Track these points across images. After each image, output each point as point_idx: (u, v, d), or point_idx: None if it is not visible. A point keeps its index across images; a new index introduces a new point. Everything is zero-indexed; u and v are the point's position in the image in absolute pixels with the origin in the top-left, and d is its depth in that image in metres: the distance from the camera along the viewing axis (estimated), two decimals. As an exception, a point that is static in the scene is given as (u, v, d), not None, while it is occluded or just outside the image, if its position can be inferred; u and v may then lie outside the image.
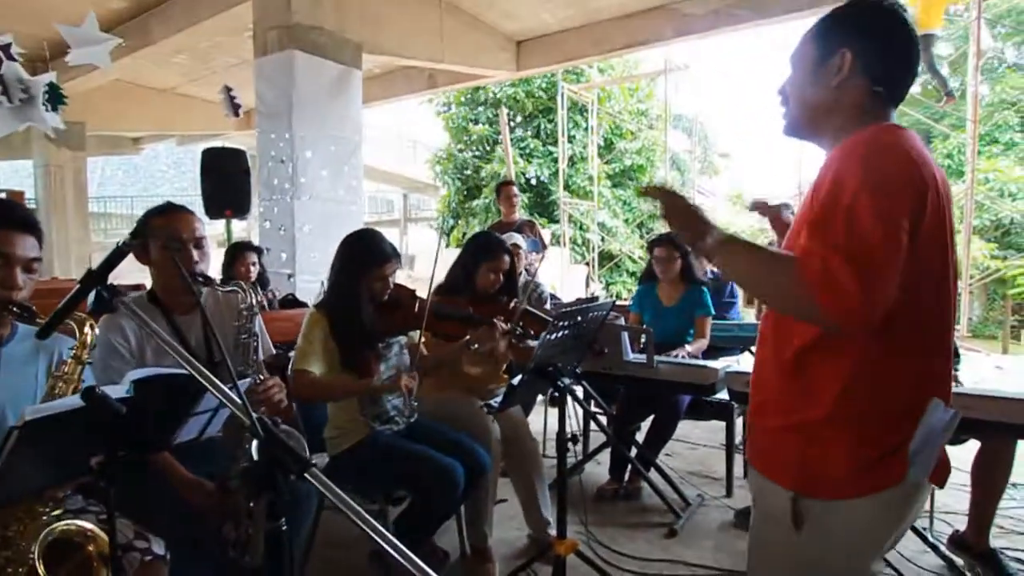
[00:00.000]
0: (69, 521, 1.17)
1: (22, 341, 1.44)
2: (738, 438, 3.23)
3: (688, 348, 3.09)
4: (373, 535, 0.75)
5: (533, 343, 2.20)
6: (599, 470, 3.34)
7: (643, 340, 2.78)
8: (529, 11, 6.60)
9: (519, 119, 13.02)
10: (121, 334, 1.69)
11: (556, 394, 1.91)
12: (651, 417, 3.06)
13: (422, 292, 2.24)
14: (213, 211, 5.21)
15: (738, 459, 3.27)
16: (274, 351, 2.01)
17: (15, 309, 1.31)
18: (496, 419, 2.39)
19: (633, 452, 3.04)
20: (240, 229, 11.16)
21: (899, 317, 0.93)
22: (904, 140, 0.97)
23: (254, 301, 1.65)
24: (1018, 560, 2.38)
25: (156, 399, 1.18)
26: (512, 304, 2.39)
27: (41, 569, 1.13)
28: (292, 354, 2.11)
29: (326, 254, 4.75)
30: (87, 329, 1.27)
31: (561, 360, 1.97)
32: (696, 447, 3.83)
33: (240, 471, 1.56)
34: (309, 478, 0.80)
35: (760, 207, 2.09)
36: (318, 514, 2.17)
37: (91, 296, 1.00)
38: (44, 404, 1.12)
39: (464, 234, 12.44)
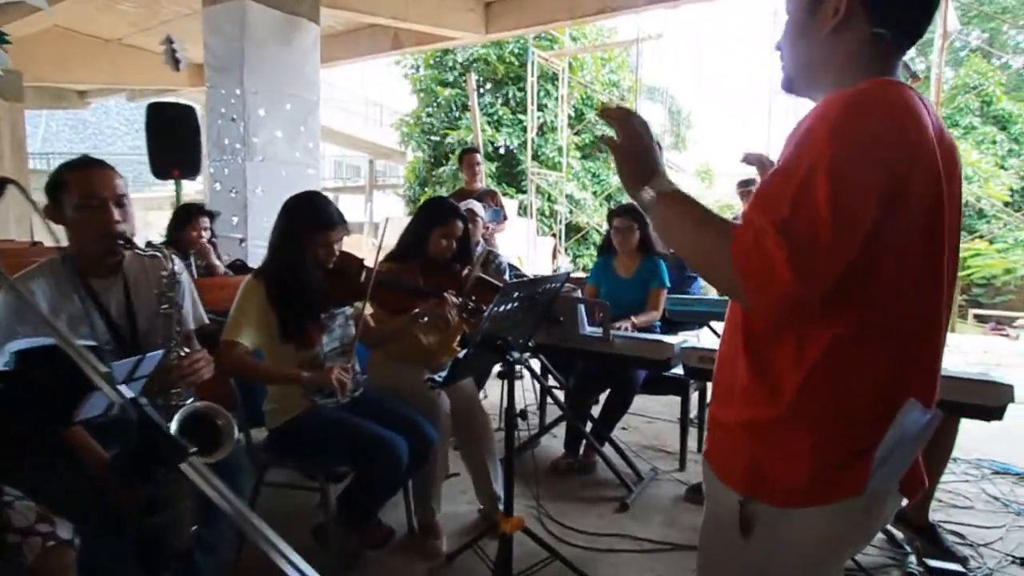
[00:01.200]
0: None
1: None
2: (693, 412, 3.23)
3: (635, 319, 3.04)
4: (249, 531, 0.66)
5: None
6: (555, 443, 3.32)
7: (599, 313, 2.73)
8: (498, -29, 6.36)
9: (489, 85, 12.72)
10: (32, 297, 1.54)
11: (501, 375, 1.83)
12: (607, 391, 3.03)
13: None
14: (160, 171, 4.95)
15: (692, 433, 3.29)
16: (207, 320, 1.89)
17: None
18: (447, 392, 2.32)
19: (589, 426, 3.02)
20: (194, 192, 10.71)
21: (877, 296, 0.83)
22: (899, 96, 0.82)
23: (178, 267, 1.52)
24: (956, 533, 2.45)
25: (48, 372, 1.06)
26: (465, 272, 2.30)
27: None
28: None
29: (279, 219, 4.56)
30: None
31: (512, 333, 1.90)
32: (653, 421, 3.84)
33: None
34: (187, 469, 0.70)
35: (754, 159, 2.00)
36: (256, 491, 2.09)
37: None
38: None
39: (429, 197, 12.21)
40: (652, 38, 11.23)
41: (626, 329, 2.95)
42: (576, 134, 12.91)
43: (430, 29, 6.88)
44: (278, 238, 2.00)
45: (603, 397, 3.06)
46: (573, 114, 12.87)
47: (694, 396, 3.14)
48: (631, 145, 0.96)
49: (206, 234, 3.46)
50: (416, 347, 2.43)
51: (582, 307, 2.70)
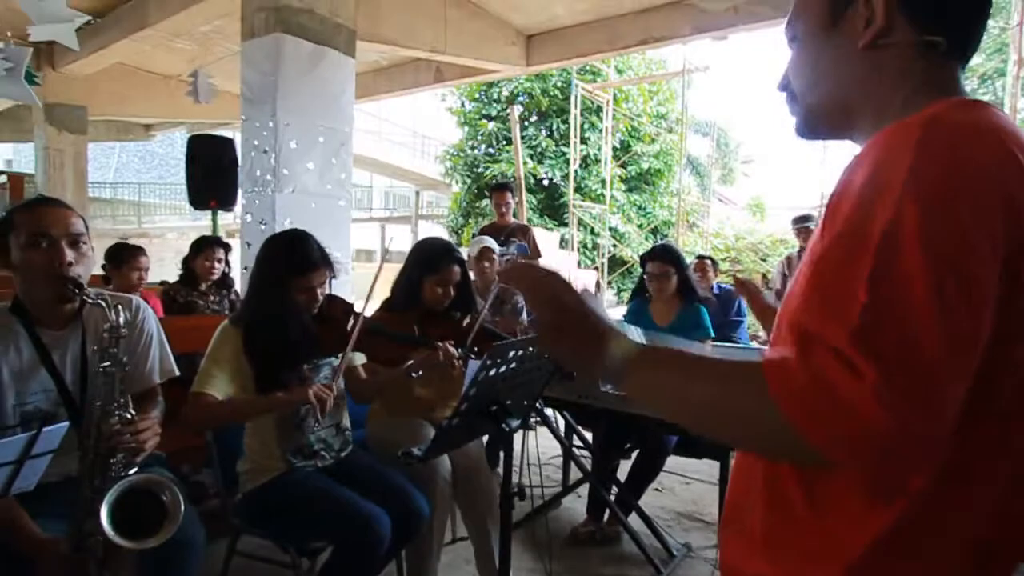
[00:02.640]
0: None
1: None
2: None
3: None
4: None
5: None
6: (580, 505, 3.01)
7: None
8: (539, 4, 6.28)
9: (533, 118, 12.67)
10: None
11: (501, 439, 1.58)
12: (636, 452, 2.72)
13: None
14: (198, 201, 5.00)
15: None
16: (176, 372, 1.71)
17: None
18: (449, 453, 2.07)
19: (614, 491, 2.70)
20: (232, 222, 10.98)
21: (998, 416, 0.56)
22: (988, 118, 0.58)
23: (120, 321, 1.34)
24: None
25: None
26: (466, 321, 2.07)
27: None
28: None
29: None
30: None
31: (512, 396, 1.64)
32: (690, 482, 3.47)
33: (111, 510, 1.25)
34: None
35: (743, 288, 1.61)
36: (228, 561, 1.88)
37: None
38: None
39: (474, 235, 12.15)
40: (699, 70, 10.98)
41: None
42: (621, 166, 12.67)
43: (470, 62, 6.85)
44: (255, 282, 1.82)
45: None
46: (618, 146, 12.67)
47: (733, 461, 2.79)
48: (553, 314, 0.68)
49: (219, 265, 3.39)
50: (414, 399, 2.21)
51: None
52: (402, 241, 18.74)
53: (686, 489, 3.39)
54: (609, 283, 12.03)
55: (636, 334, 0.66)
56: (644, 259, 2.89)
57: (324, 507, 1.71)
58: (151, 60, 8.27)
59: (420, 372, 1.91)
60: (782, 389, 0.52)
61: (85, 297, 1.40)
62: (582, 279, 10.70)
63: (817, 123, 0.75)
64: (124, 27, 6.36)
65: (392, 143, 18.14)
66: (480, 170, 12.61)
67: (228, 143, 5.09)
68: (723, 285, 3.97)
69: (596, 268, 11.81)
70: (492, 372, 1.43)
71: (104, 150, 15.45)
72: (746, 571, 0.71)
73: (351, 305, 1.87)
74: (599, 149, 12.15)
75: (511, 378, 1.58)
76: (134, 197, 14.52)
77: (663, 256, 2.79)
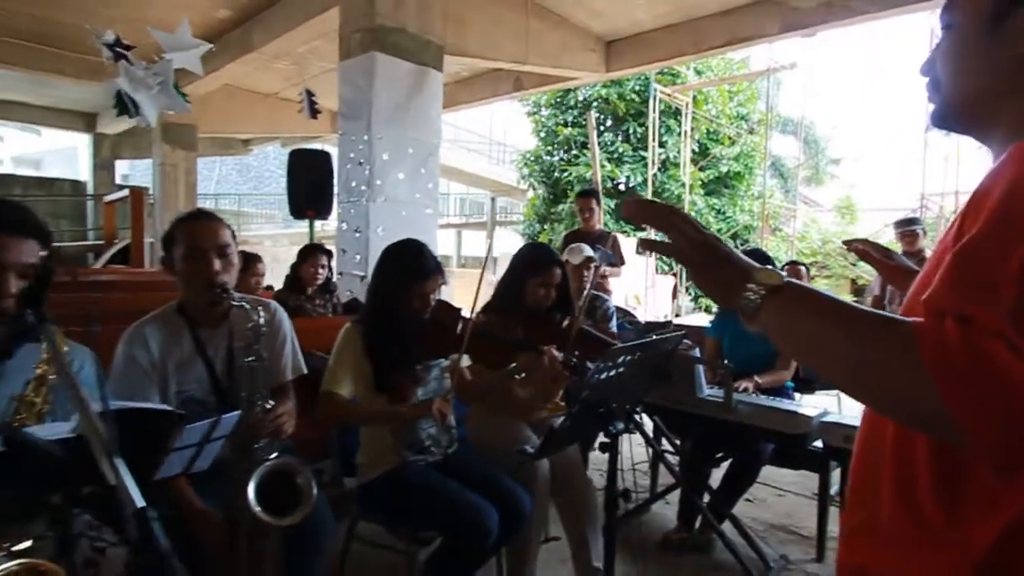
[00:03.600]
0: (19, 561, 1.05)
1: (28, 352, 1.36)
2: (834, 489, 2.78)
3: (759, 379, 2.67)
4: None
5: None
6: (668, 511, 3.00)
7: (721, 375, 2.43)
8: (620, 9, 6.28)
9: (609, 122, 12.61)
10: (142, 345, 1.61)
11: (603, 447, 1.64)
12: (729, 461, 2.69)
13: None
14: (297, 211, 5.33)
15: (833, 514, 2.82)
16: (305, 370, 1.88)
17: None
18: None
19: (706, 499, 2.68)
20: (329, 231, 11.58)
21: None
22: None
23: (262, 319, 1.51)
24: None
25: (134, 429, 1.05)
26: (566, 323, 2.14)
27: None
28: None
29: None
30: (64, 345, 1.16)
31: (617, 399, 1.70)
32: (784, 494, 3.37)
33: (258, 490, 1.41)
34: None
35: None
36: (347, 545, 2.03)
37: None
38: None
39: (551, 240, 12.21)
40: (785, 68, 10.57)
41: (746, 390, 2.61)
42: (700, 170, 12.39)
43: (550, 70, 6.94)
44: (374, 288, 1.97)
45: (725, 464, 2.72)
46: (697, 149, 12.39)
47: (835, 473, 2.70)
48: (695, 243, 0.73)
49: (323, 271, 3.62)
50: (514, 401, 2.30)
51: (701, 368, 2.42)
52: (477, 247, 19.08)
53: (780, 501, 3.30)
54: (686, 289, 11.77)
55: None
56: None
57: (436, 499, 1.82)
58: (252, 80, 8.90)
59: (523, 374, 2.00)
60: (937, 360, 0.53)
61: (231, 301, 1.58)
62: (660, 286, 10.54)
63: (953, 116, 0.76)
64: (233, 51, 6.89)
65: (467, 150, 18.56)
66: (556, 176, 12.68)
67: (325, 156, 5.40)
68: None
69: (674, 274, 11.59)
70: (604, 376, 1.49)
71: (207, 164, 16.69)
72: (871, 567, 0.73)
73: (459, 310, 1.99)
74: (677, 152, 11.94)
75: (618, 382, 1.63)
76: (234, 207, 15.67)
77: (753, 259, 2.74)
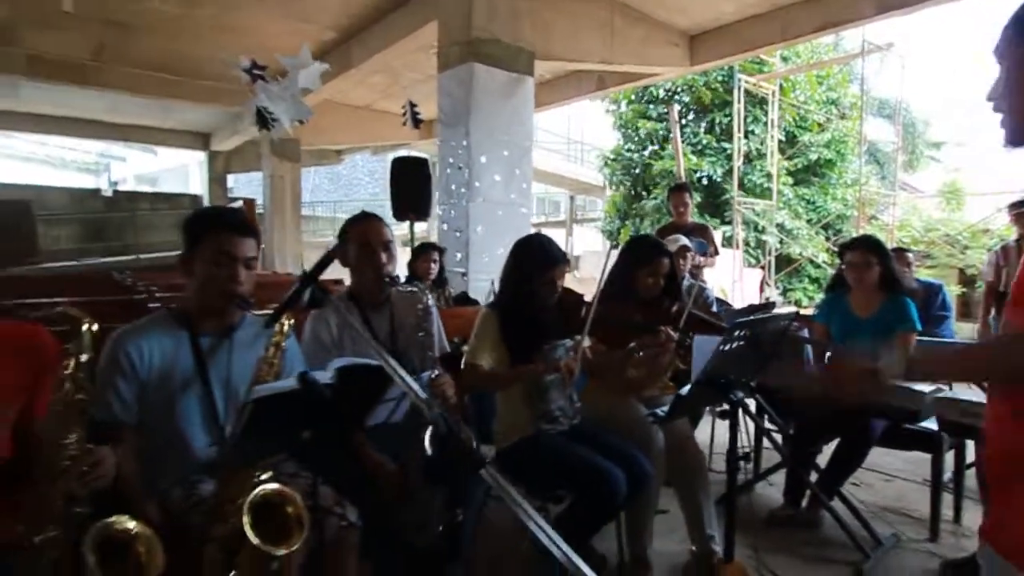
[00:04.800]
0: (272, 485, 1.36)
1: (247, 328, 1.71)
2: (947, 474, 2.79)
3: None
4: (538, 532, 0.78)
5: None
6: (771, 492, 3.10)
7: (828, 356, 2.52)
8: (705, 3, 6.30)
9: (692, 114, 12.46)
10: (325, 327, 1.94)
11: (723, 414, 1.81)
12: (836, 440, 2.76)
13: (588, 293, 2.25)
14: (400, 214, 5.73)
15: (947, 499, 2.83)
16: (448, 348, 2.17)
17: (240, 301, 1.56)
18: (660, 429, 2.33)
19: (813, 477, 2.77)
20: (420, 230, 12.16)
21: None
22: None
23: (430, 302, 1.80)
24: None
25: (354, 385, 1.34)
26: (675, 308, 2.32)
27: (248, 521, 1.29)
28: (465, 348, 2.26)
29: (496, 255, 4.99)
30: (285, 321, 1.47)
31: (734, 372, 1.86)
32: (892, 479, 3.37)
33: (417, 461, 1.70)
34: (485, 475, 0.86)
35: None
36: (484, 504, 2.30)
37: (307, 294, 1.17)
38: (268, 384, 1.33)
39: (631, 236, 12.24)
40: (880, 49, 10.09)
41: None
42: (788, 159, 12.00)
43: (634, 68, 7.03)
44: (508, 275, 2.22)
45: (829, 447, 2.79)
46: (784, 138, 12.01)
47: (949, 455, 2.71)
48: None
49: (435, 267, 3.96)
50: (628, 380, 2.49)
51: (809, 348, 2.52)
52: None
53: (888, 486, 3.31)
54: (775, 283, 11.46)
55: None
56: (843, 248, 2.91)
57: (569, 461, 2.05)
58: (347, 94, 9.53)
59: (641, 353, 2.20)
60: None
61: (395, 287, 1.89)
62: (747, 279, 10.34)
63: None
64: (335, 69, 7.45)
65: (545, 150, 18.78)
66: (637, 172, 12.67)
67: (424, 162, 5.76)
68: (924, 279, 3.76)
69: (762, 267, 11.32)
70: (727, 347, 1.66)
71: (302, 175, 17.75)
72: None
73: (582, 296, 2.21)
74: (762, 142, 11.65)
75: (735, 355, 1.80)
76: (329, 214, 16.74)
77: (864, 245, 2.79)
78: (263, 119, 5.28)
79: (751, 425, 3.19)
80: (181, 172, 19.72)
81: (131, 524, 1.17)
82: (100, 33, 7.13)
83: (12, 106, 10.17)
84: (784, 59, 12.04)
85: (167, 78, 8.65)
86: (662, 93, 12.49)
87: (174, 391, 1.55)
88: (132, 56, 7.94)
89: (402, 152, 10.02)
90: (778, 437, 3.07)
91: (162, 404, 1.55)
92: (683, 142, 11.43)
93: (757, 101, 11.58)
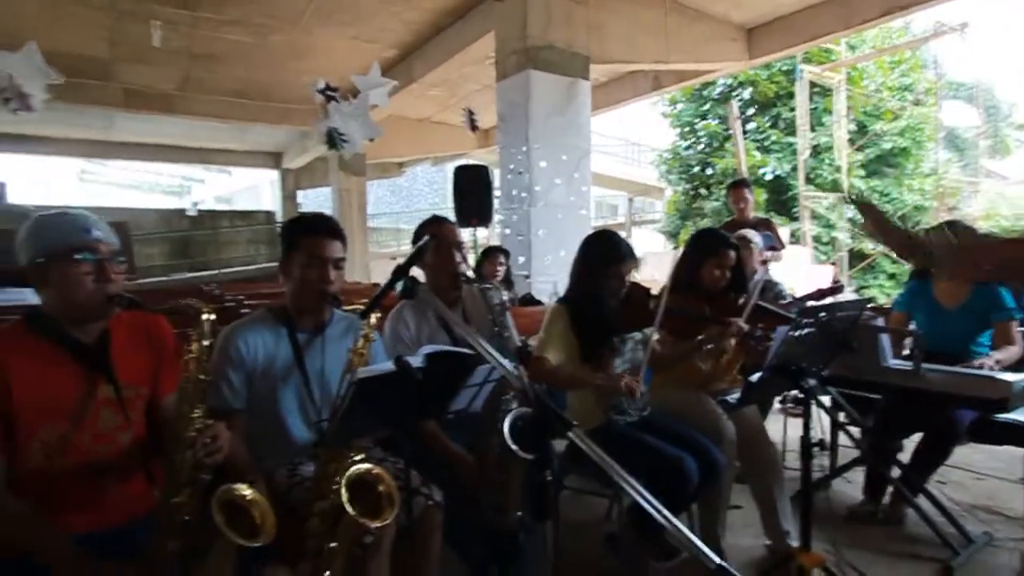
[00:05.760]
0: (367, 465, 1.48)
1: (337, 324, 1.86)
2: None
3: (996, 355, 2.50)
4: (632, 492, 0.85)
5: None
6: (849, 489, 3.01)
7: (909, 345, 2.45)
8: (763, -6, 6.20)
9: (753, 110, 12.16)
10: (404, 324, 2.07)
11: (797, 401, 1.82)
12: (918, 434, 2.67)
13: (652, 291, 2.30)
14: (463, 220, 5.90)
15: (1044, 496, 2.68)
16: (519, 343, 2.26)
17: (331, 299, 1.71)
18: (731, 420, 2.34)
19: (895, 473, 2.69)
20: (481, 236, 12.40)
21: None
22: None
23: (505, 299, 1.90)
24: None
25: (440, 370, 1.45)
26: (742, 301, 2.32)
27: (345, 496, 1.41)
28: (531, 341, 2.34)
29: (558, 257, 5.07)
30: (372, 316, 1.60)
31: (805, 361, 1.86)
32: (983, 477, 3.21)
33: (510, 429, 1.78)
34: (572, 437, 0.94)
35: None
36: (557, 494, 2.38)
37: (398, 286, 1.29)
38: (368, 367, 1.45)
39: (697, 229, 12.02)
40: (954, 30, 9.56)
41: (981, 367, 2.44)
42: (858, 150, 11.51)
43: (691, 65, 6.98)
44: (577, 271, 2.30)
45: (911, 442, 2.70)
46: (854, 128, 11.54)
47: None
48: None
49: (501, 269, 4.09)
50: (694, 372, 2.51)
51: (885, 337, 2.46)
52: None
53: (978, 484, 3.15)
54: (850, 279, 10.99)
55: None
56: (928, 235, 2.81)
57: (640, 451, 2.09)
58: (408, 107, 9.88)
59: (711, 345, 2.22)
60: None
61: (475, 285, 2.00)
62: (817, 276, 9.97)
63: None
64: (399, 84, 7.76)
65: (601, 153, 18.73)
66: (696, 171, 12.48)
67: (485, 170, 5.92)
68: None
69: (833, 264, 10.89)
70: (796, 333, 1.68)
71: (367, 187, 18.38)
72: None
73: (649, 289, 2.26)
74: (830, 135, 11.23)
75: (806, 342, 1.81)
76: (392, 225, 17.31)
77: (952, 230, 2.69)
78: (333, 140, 5.59)
79: (825, 420, 3.13)
80: (253, 191, 20.86)
81: (247, 491, 1.32)
82: (185, 65, 7.72)
83: (108, 136, 11.10)
84: (851, 47, 11.59)
85: (243, 103, 9.24)
86: (720, 90, 12.26)
87: (276, 381, 1.71)
88: (212, 85, 8.55)
89: (462, 161, 10.27)
90: (855, 432, 3.00)
91: (266, 392, 1.71)
92: (746, 139, 11.17)
93: (824, 92, 11.19)
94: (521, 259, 5.20)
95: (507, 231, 5.41)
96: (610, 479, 2.20)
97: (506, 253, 4.19)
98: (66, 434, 1.35)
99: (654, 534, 2.25)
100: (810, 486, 1.87)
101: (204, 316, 1.35)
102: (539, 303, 4.31)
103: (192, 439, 1.33)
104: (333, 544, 1.48)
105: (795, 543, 2.24)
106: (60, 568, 1.24)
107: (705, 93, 12.47)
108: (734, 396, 1.88)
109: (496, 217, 5.79)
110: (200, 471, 1.34)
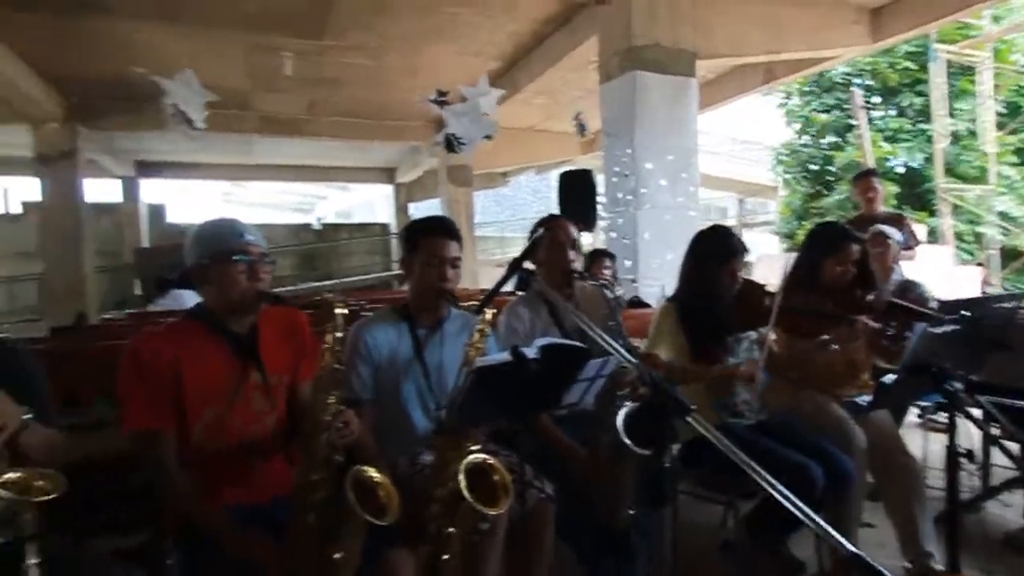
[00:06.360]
0: (483, 455, 1.55)
1: (454, 321, 1.96)
2: None
3: None
4: (761, 481, 0.83)
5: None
6: (1005, 512, 2.69)
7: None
8: (890, -29, 5.71)
9: (877, 98, 11.19)
10: (518, 318, 2.14)
11: (940, 410, 1.66)
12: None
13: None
14: (568, 226, 5.92)
15: None
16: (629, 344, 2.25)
17: (448, 296, 1.81)
18: (862, 428, 2.17)
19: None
20: (585, 242, 12.37)
21: None
22: None
23: (620, 292, 1.91)
24: None
25: (554, 362, 1.48)
26: (870, 298, 2.16)
27: (463, 482, 1.48)
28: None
29: (666, 260, 4.96)
30: (488, 312, 1.66)
31: (949, 361, 1.70)
32: None
33: (624, 423, 1.78)
34: (691, 420, 0.93)
35: None
36: (675, 482, 2.33)
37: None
38: (486, 357, 1.52)
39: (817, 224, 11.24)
40: None
41: None
42: (1011, 134, 10.23)
43: (807, 54, 6.57)
44: (687, 267, 2.25)
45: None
46: (1005, 110, 10.27)
47: None
48: None
49: (607, 272, 4.08)
50: (820, 375, 2.35)
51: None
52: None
53: None
54: (1003, 280, 9.76)
55: None
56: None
57: (759, 456, 1.99)
58: (512, 117, 10.07)
59: (836, 346, 2.08)
60: None
61: (590, 282, 2.04)
62: (962, 278, 8.95)
63: None
64: (504, 94, 7.96)
65: (709, 153, 18.03)
66: (816, 167, 11.67)
67: (590, 174, 5.92)
68: None
69: (980, 264, 9.73)
70: (939, 331, 1.54)
71: (474, 198, 18.96)
72: None
73: (764, 286, 2.16)
74: (972, 120, 10.07)
75: (949, 340, 1.65)
76: (497, 234, 17.76)
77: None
78: (451, 144, 5.87)
79: (974, 432, 2.81)
80: (369, 205, 22.18)
81: (375, 474, 1.42)
82: (311, 91, 8.41)
83: (247, 160, 12.34)
84: (995, 19, 10.34)
85: (360, 122, 9.90)
86: (839, 79, 11.40)
87: (398, 374, 1.83)
88: (334, 107, 9.25)
89: (565, 169, 10.32)
90: (1013, 447, 2.67)
91: (390, 385, 1.83)
92: (870, 129, 10.30)
93: (964, 71, 10.07)
94: (627, 263, 5.13)
95: (612, 235, 5.36)
96: (726, 484, 2.13)
97: (612, 257, 4.17)
98: (223, 415, 1.53)
99: (775, 545, 2.15)
100: (958, 503, 1.70)
101: (338, 310, 1.48)
102: (647, 306, 4.23)
103: (327, 423, 1.46)
104: (452, 529, 1.55)
105: (939, 567, 2.04)
106: (223, 538, 1.41)
107: (821, 83, 11.64)
108: (864, 399, 1.75)
109: (601, 223, 5.76)
110: (334, 452, 1.46)
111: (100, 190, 11.66)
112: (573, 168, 6.44)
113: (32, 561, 1.10)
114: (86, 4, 5.59)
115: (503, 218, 19.54)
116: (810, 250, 2.37)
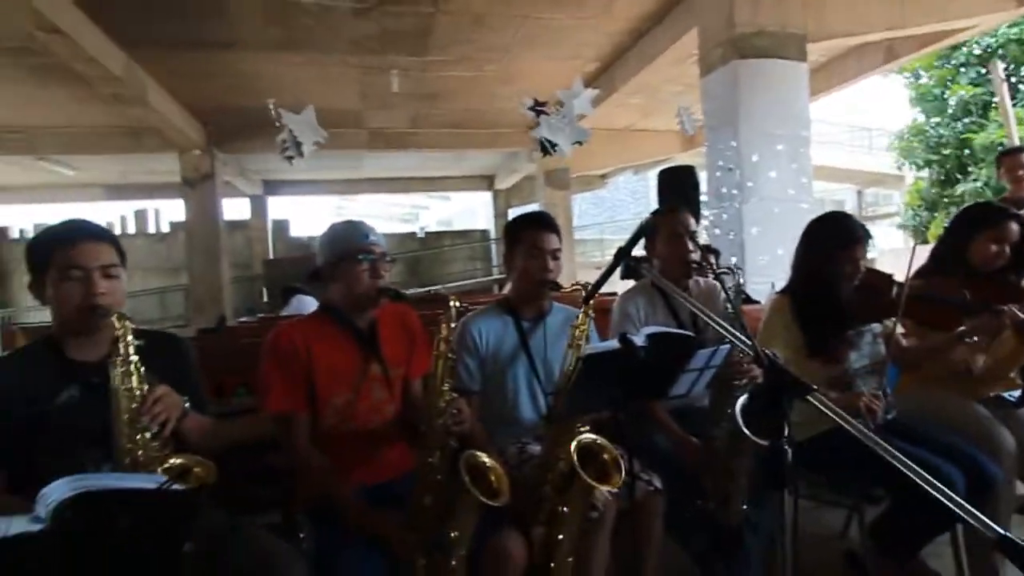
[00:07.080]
0: (591, 436, 1.57)
1: (556, 315, 2.00)
2: None
3: None
4: (884, 454, 0.80)
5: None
6: None
7: None
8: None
9: (1021, 72, 9.95)
10: (633, 306, 2.14)
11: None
12: None
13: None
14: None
15: None
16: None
17: (551, 285, 1.86)
18: (1009, 427, 1.96)
19: None
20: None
21: None
22: None
23: (741, 280, 1.88)
24: None
25: (661, 352, 1.48)
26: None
27: (575, 459, 1.50)
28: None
29: (776, 255, 4.72)
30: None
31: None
32: None
33: (742, 412, 1.74)
34: (812, 400, 0.92)
35: None
36: (794, 470, 2.22)
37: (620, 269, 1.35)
38: (594, 344, 1.55)
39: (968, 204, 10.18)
40: None
41: None
42: None
43: (936, 26, 5.97)
44: (802, 256, 2.12)
45: None
46: None
47: None
48: None
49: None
50: (955, 371, 2.15)
51: None
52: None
53: None
54: None
55: None
56: None
57: (882, 456, 1.87)
58: (609, 118, 9.99)
59: (975, 338, 1.90)
60: None
61: (696, 269, 2.03)
62: None
63: None
64: (600, 95, 7.93)
65: (822, 143, 16.87)
66: (949, 151, 10.57)
67: (691, 170, 5.77)
68: None
69: None
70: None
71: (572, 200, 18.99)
72: None
73: (891, 275, 2.02)
74: None
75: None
76: (596, 236, 17.68)
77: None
78: (545, 148, 5.98)
79: None
80: (470, 213, 22.83)
81: (486, 459, 1.49)
82: (416, 105, 8.84)
83: (357, 174, 13.17)
84: None
85: (460, 132, 10.25)
86: (976, 53, 10.25)
87: (505, 365, 1.91)
88: (436, 119, 9.65)
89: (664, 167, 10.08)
90: None
91: (496, 375, 1.91)
92: (1014, 105, 9.18)
93: None
94: (733, 259, 4.93)
95: (716, 231, 5.18)
96: (849, 486, 2.01)
97: (716, 253, 4.01)
98: (350, 400, 1.67)
99: (906, 557, 1.98)
100: None
101: (452, 303, 1.57)
102: (755, 302, 4.05)
103: (442, 409, 1.55)
104: (565, 508, 1.59)
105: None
106: (351, 513, 1.53)
107: (955, 57, 10.51)
108: (1013, 395, 1.58)
109: (704, 221, 5.58)
110: (449, 437, 1.55)
111: (233, 208, 12.94)
112: (673, 164, 6.30)
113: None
114: (220, 42, 6.26)
115: (601, 220, 19.38)
116: (958, 229, 2.17)
